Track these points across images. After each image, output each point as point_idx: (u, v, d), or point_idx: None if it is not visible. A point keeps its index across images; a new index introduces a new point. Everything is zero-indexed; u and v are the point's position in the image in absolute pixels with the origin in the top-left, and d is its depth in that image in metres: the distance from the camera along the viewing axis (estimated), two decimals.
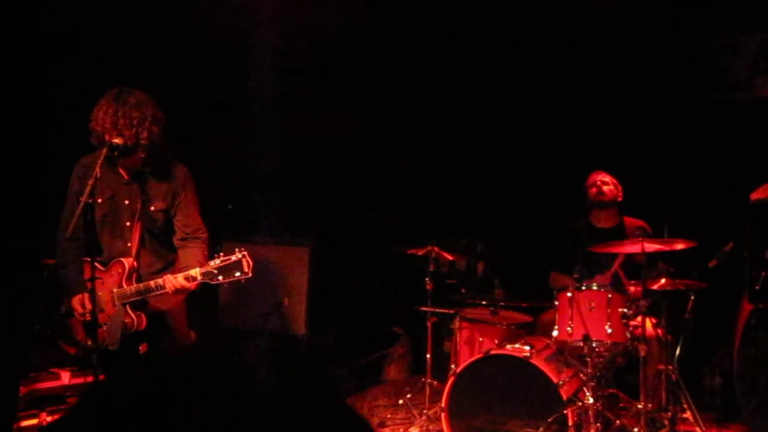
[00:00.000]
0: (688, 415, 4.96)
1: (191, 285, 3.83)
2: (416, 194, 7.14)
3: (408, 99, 7.02)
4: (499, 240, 7.07)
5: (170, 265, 4.11)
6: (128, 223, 4.03)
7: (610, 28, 6.57)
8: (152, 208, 4.04)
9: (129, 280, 3.96)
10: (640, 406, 4.75)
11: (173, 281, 3.81)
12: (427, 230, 6.17)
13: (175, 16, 5.96)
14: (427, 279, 5.55)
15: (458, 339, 5.41)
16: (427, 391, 5.50)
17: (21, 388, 4.65)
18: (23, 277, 4.98)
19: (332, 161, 7.16)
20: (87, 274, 3.80)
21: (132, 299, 3.93)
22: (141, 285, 3.92)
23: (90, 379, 3.74)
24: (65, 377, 4.89)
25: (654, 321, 5.07)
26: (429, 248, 5.52)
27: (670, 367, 4.92)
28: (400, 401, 5.87)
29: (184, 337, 4.24)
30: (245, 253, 3.72)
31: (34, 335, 5.06)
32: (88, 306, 3.75)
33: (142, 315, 3.97)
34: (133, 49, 5.80)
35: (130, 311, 3.93)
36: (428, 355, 5.62)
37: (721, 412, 5.68)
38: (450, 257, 5.79)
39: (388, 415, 5.80)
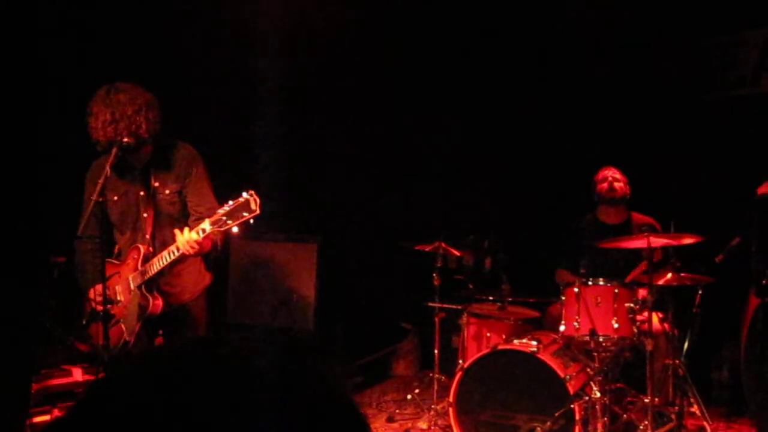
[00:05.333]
0: (695, 409, 4.98)
1: (203, 239, 3.73)
2: (423, 190, 7.16)
3: (413, 95, 7.04)
4: (506, 235, 7.09)
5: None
6: (145, 215, 4.03)
7: (615, 25, 6.58)
8: (167, 192, 4.02)
9: (145, 263, 3.93)
10: (647, 401, 4.76)
11: (186, 241, 3.72)
12: (434, 226, 6.18)
13: (181, 14, 6.00)
14: (434, 275, 5.58)
15: (466, 334, 5.44)
16: (435, 386, 5.53)
17: (33, 384, 4.69)
18: (34, 275, 5.02)
19: (339, 157, 7.19)
20: (109, 272, 3.87)
21: (147, 280, 3.89)
22: (154, 261, 3.87)
23: (102, 375, 3.77)
24: (77, 374, 4.94)
25: (661, 315, 5.08)
26: (436, 244, 5.55)
27: (678, 362, 4.94)
28: (409, 396, 5.90)
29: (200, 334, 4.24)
30: (252, 192, 3.62)
31: (46, 332, 5.10)
32: (101, 293, 3.76)
33: (159, 298, 3.95)
34: (139, 48, 5.84)
35: (145, 292, 3.91)
36: (436, 351, 5.65)
37: (728, 406, 5.70)
38: (457, 253, 5.82)
39: (397, 410, 5.83)
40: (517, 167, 7.05)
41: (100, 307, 3.81)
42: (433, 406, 5.44)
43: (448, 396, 4.98)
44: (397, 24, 6.88)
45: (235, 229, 3.70)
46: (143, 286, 3.92)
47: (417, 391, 5.88)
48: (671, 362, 4.92)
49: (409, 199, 7.15)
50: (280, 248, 6.63)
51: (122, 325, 3.94)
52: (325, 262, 6.60)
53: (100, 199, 3.67)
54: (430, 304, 5.67)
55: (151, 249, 3.98)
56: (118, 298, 3.97)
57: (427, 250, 5.58)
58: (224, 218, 3.62)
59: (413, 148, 7.13)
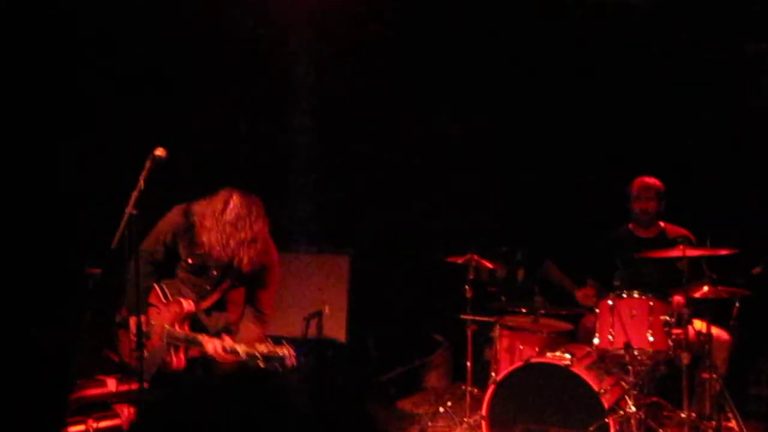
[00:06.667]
0: (732, 423, 4.90)
1: (229, 357, 3.86)
2: (456, 202, 7.14)
3: (449, 107, 7.03)
4: (539, 247, 7.03)
5: (229, 328, 4.15)
6: (208, 287, 4.15)
7: (650, 35, 6.52)
8: (237, 282, 4.15)
9: (182, 323, 4.04)
10: (683, 415, 4.70)
11: (216, 347, 3.86)
12: (467, 238, 6.17)
13: (210, 29, 6.07)
14: (467, 287, 5.56)
15: (498, 347, 5.41)
16: (468, 399, 5.50)
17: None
18: (72, 287, 5.08)
19: (372, 170, 7.20)
20: (151, 299, 4.02)
21: (177, 343, 4.01)
22: (190, 334, 4.00)
23: (135, 386, 3.81)
24: (111, 384, 4.98)
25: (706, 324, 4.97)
26: (469, 256, 5.53)
27: (714, 375, 4.86)
28: (441, 409, 5.87)
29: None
30: (291, 351, 3.68)
31: (81, 343, 5.16)
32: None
33: (182, 355, 4.03)
34: (176, 64, 5.92)
35: (172, 352, 4.01)
36: (468, 363, 5.62)
37: (766, 421, 5.59)
38: (490, 265, 5.79)
39: (429, 423, 5.80)
40: (550, 177, 7.00)
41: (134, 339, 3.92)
42: (465, 420, 5.41)
43: (480, 409, 4.95)
44: (428, 38, 6.88)
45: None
46: (172, 347, 4.01)
47: (449, 404, 5.84)
48: (708, 376, 4.84)
49: (441, 211, 7.14)
50: (313, 261, 6.65)
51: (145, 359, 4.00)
52: (357, 275, 6.60)
53: (135, 212, 3.70)
54: (463, 316, 5.64)
55: (194, 309, 4.07)
56: (150, 335, 4.05)
57: (459, 262, 5.56)
58: (258, 357, 3.68)
59: (445, 159, 7.12)
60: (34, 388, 4.60)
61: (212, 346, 3.87)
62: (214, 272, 4.15)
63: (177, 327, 4.02)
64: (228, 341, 3.87)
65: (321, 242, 6.76)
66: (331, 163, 7.10)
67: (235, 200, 3.99)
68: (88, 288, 5.11)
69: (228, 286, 4.17)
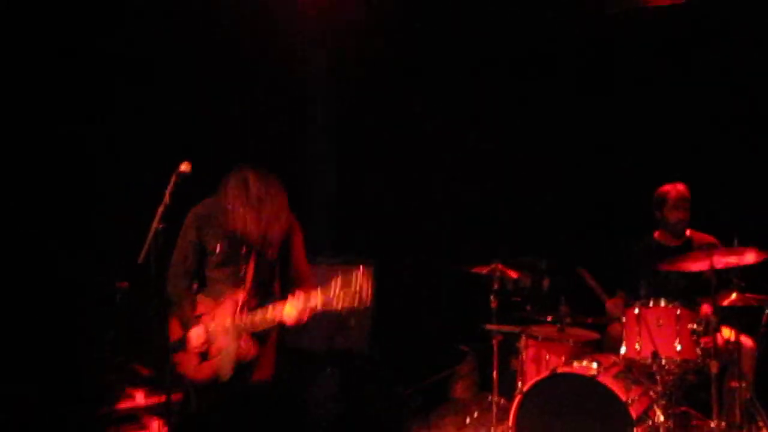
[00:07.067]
0: None
1: (307, 314, 3.89)
2: (480, 210, 7.13)
3: (471, 116, 7.03)
4: (563, 256, 7.00)
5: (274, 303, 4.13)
6: (241, 272, 4.13)
7: (672, 40, 6.48)
8: (268, 258, 4.15)
9: (242, 312, 4.03)
10: (713, 424, 4.65)
11: (290, 310, 3.86)
12: (491, 247, 6.14)
13: (230, 37, 6.11)
14: (491, 297, 5.55)
15: (524, 357, 5.39)
16: (494, 410, 5.48)
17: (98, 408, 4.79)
18: (97, 301, 5.13)
19: (395, 180, 7.21)
20: (198, 309, 4.04)
21: (247, 331, 4.01)
22: (256, 315, 3.98)
23: (164, 398, 3.83)
24: (140, 397, 5.02)
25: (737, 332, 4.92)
26: (493, 266, 5.52)
27: (744, 384, 4.81)
28: (467, 420, 5.85)
29: (269, 367, 4.27)
30: (364, 272, 3.69)
31: (108, 357, 5.20)
32: (203, 338, 3.96)
33: (252, 344, 4.04)
34: (195, 74, 5.97)
35: (242, 344, 4.01)
36: (494, 374, 5.60)
37: None
38: (515, 275, 5.77)
39: None
40: (574, 186, 6.97)
41: (203, 349, 3.99)
42: (492, 430, 5.39)
43: (507, 420, 4.93)
44: (453, 48, 6.89)
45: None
46: (240, 336, 4.01)
47: (476, 414, 5.82)
48: (737, 384, 4.79)
49: (465, 221, 7.13)
50: (336, 272, 6.63)
51: (216, 364, 4.02)
52: (382, 285, 6.58)
53: (160, 226, 3.73)
54: (488, 326, 5.63)
55: (247, 297, 4.07)
56: (213, 340, 4.05)
57: (484, 272, 5.55)
58: (334, 300, 3.75)
59: (468, 169, 7.11)
60: (64, 402, 4.65)
61: (287, 311, 3.86)
62: (244, 249, 4.13)
63: (240, 318, 4.02)
64: (299, 297, 3.87)
65: (344, 253, 6.76)
66: (353, 173, 7.11)
67: (252, 179, 4.03)
68: (115, 302, 5.15)
69: (257, 258, 4.16)
